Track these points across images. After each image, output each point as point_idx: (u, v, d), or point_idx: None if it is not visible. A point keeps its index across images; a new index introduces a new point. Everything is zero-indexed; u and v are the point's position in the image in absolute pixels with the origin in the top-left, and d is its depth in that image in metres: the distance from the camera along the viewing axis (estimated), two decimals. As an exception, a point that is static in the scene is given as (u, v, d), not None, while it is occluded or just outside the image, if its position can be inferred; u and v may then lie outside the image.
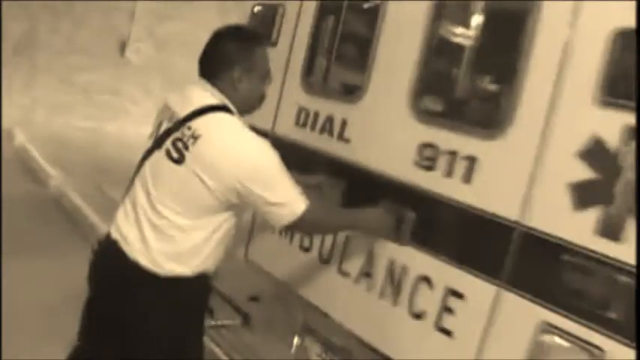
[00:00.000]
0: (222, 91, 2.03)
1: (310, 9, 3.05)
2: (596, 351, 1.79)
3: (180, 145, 1.93)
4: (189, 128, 1.93)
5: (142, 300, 1.96)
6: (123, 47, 9.96)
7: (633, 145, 1.73)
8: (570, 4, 1.92)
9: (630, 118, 1.74)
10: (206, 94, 2.02)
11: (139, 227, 1.98)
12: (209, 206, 1.96)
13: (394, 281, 2.40)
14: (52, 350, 3.16)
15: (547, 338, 1.90)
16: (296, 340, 2.86)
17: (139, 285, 1.97)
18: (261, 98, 2.19)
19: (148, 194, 1.99)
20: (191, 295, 2.03)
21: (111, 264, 2.04)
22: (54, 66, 9.49)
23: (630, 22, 1.73)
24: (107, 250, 2.05)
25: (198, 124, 1.94)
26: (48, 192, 6.28)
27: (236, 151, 1.92)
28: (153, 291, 1.97)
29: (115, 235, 2.04)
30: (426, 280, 2.29)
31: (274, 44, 3.15)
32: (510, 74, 2.12)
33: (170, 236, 1.95)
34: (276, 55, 2.83)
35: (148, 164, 2.02)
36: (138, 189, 2.03)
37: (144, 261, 1.95)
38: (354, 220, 2.34)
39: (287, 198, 1.99)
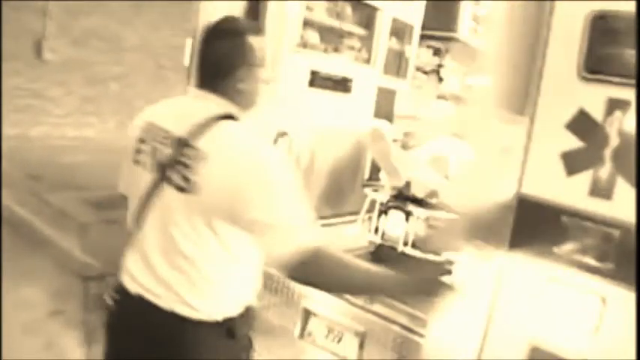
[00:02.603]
0: (224, 95, 1.78)
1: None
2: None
3: (184, 170, 1.67)
4: (194, 148, 1.67)
5: (189, 348, 1.74)
6: (39, 47, 9.47)
7: (615, 114, 1.99)
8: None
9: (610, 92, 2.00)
10: (207, 105, 1.77)
11: (162, 273, 1.71)
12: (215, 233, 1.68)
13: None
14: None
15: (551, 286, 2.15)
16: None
17: (182, 334, 1.72)
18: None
19: (162, 234, 1.72)
20: (237, 331, 1.81)
21: (141, 319, 1.76)
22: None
23: (605, 6, 1.98)
24: (131, 307, 1.78)
25: (205, 141, 1.67)
26: (-14, 207, 5.99)
27: (245, 164, 1.64)
28: (197, 336, 1.74)
29: (134, 288, 1.76)
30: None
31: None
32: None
33: (195, 275, 1.70)
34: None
35: (154, 200, 1.73)
36: (148, 231, 1.75)
37: (179, 309, 1.71)
38: (370, 282, 1.75)
39: (293, 221, 1.62)
